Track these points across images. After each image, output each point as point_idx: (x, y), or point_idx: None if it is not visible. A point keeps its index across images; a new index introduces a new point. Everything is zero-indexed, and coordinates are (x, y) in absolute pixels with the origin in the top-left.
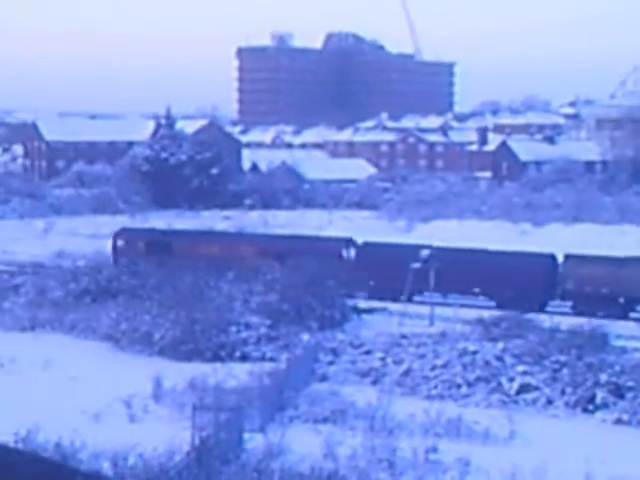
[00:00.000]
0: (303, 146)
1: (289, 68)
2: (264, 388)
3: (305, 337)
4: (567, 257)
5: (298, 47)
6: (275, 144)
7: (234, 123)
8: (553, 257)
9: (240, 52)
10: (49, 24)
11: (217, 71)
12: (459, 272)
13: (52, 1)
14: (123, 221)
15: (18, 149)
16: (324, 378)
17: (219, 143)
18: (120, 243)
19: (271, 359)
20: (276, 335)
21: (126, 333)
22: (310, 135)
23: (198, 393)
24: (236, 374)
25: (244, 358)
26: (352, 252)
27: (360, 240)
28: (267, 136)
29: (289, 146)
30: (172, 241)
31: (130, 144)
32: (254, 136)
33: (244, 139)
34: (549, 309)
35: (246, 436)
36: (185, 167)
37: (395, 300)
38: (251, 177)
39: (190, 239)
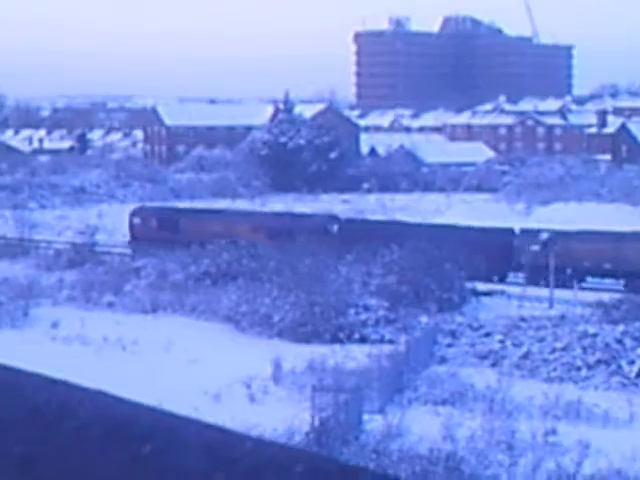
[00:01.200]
0: (421, 129)
1: (406, 52)
2: (383, 370)
3: (424, 319)
4: (522, 231)
5: (415, 31)
6: (393, 128)
7: (352, 107)
8: (512, 231)
9: (357, 36)
10: (175, 14)
11: (335, 55)
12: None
13: None
14: (242, 205)
15: (138, 134)
16: (443, 360)
17: (337, 127)
18: (136, 221)
19: (390, 341)
20: (394, 317)
21: (246, 315)
22: (428, 118)
23: (317, 375)
24: (355, 356)
25: (363, 340)
26: (335, 227)
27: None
28: (385, 120)
29: (407, 130)
30: (180, 219)
31: (249, 129)
32: (372, 120)
33: (362, 123)
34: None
35: (365, 417)
36: (304, 151)
37: None
38: (369, 161)
39: (195, 217)
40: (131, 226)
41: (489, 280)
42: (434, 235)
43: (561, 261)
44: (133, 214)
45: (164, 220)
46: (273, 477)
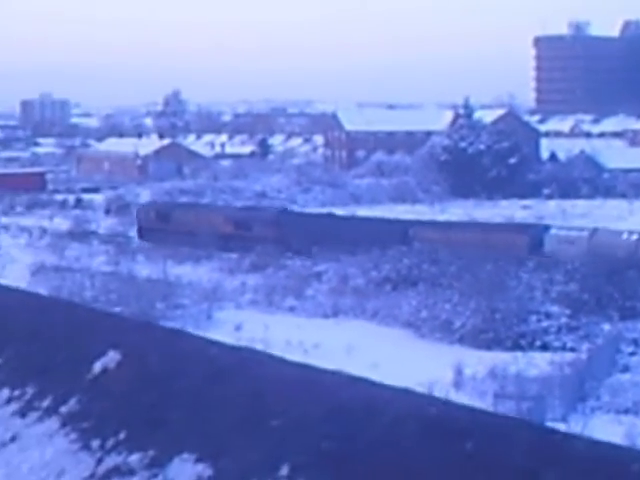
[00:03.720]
0: (602, 135)
1: (586, 56)
2: (565, 378)
3: (606, 327)
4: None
5: (595, 35)
6: (573, 133)
7: (532, 112)
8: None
9: (537, 41)
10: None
11: (514, 60)
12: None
13: None
14: (422, 210)
15: (318, 139)
16: (626, 369)
17: (517, 132)
18: (141, 214)
19: (572, 349)
20: (576, 325)
21: (426, 321)
22: (609, 124)
23: (499, 381)
24: (537, 363)
25: (544, 347)
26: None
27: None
28: (565, 125)
29: (588, 135)
30: (172, 212)
31: (428, 134)
32: (552, 125)
33: (542, 128)
34: None
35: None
36: (483, 156)
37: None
38: (549, 166)
39: (184, 211)
40: (138, 218)
41: None
42: (366, 228)
43: None
44: (139, 208)
45: (160, 212)
46: (608, 478)
